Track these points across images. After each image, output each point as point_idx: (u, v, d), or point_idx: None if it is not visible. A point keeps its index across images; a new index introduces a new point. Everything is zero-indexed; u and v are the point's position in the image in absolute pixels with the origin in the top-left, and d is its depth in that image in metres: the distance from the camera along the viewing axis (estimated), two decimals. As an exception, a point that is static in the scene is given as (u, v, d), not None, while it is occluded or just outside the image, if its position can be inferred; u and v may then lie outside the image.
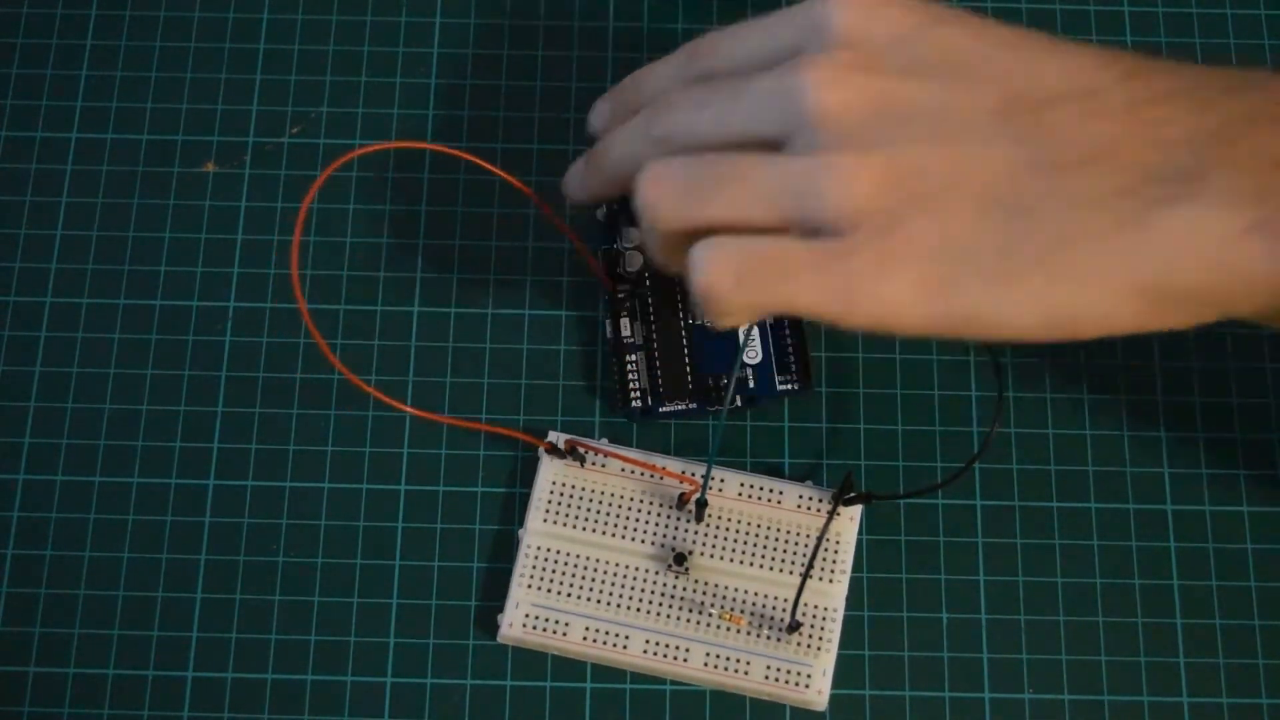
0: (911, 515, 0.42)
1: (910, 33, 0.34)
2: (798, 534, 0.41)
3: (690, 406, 0.43)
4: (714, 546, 0.41)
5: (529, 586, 0.41)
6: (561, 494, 0.41)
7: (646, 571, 0.41)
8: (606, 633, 0.40)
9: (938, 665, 0.41)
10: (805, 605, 0.40)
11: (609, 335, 0.44)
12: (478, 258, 0.45)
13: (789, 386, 0.43)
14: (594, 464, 0.42)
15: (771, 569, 0.41)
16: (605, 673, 0.41)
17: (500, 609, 0.41)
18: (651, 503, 0.41)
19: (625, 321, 0.44)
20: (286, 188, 0.46)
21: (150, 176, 0.46)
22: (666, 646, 0.40)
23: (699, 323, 0.44)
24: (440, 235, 0.45)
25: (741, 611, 0.40)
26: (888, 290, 0.32)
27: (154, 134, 0.46)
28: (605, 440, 0.43)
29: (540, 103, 0.47)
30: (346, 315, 0.44)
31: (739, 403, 0.43)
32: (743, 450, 0.43)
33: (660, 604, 0.40)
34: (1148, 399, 0.44)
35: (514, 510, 0.42)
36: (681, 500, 0.41)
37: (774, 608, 0.40)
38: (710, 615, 0.40)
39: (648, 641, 0.40)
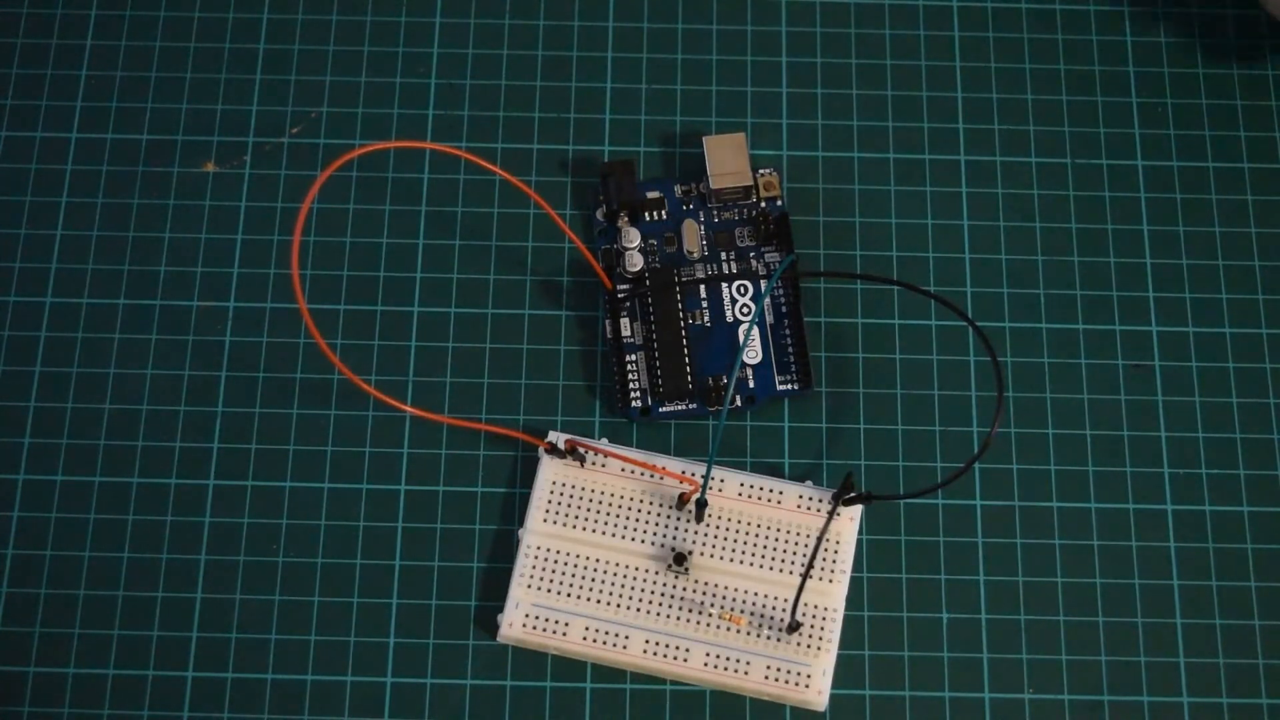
0: (911, 515, 0.42)
1: None
2: (797, 534, 0.41)
3: (690, 406, 0.43)
4: (714, 546, 0.41)
5: (529, 586, 0.41)
6: (561, 494, 0.41)
7: (646, 571, 0.41)
8: (606, 633, 0.40)
9: (938, 665, 0.41)
10: (805, 605, 0.40)
11: (609, 335, 0.44)
12: (478, 258, 0.45)
13: (789, 386, 0.43)
14: (594, 464, 0.42)
15: (771, 569, 0.41)
16: (605, 673, 0.41)
17: (500, 609, 0.41)
18: (651, 503, 0.41)
19: (625, 321, 0.44)
20: (286, 188, 0.46)
21: (150, 176, 0.46)
22: (666, 646, 0.40)
23: (699, 323, 0.44)
24: (440, 235, 0.45)
25: (741, 611, 0.40)
26: None
27: (154, 134, 0.46)
28: (605, 440, 0.43)
29: (540, 103, 0.47)
30: (346, 315, 0.44)
31: (739, 403, 0.43)
32: (743, 450, 0.43)
33: (660, 604, 0.40)
34: (1148, 399, 0.44)
35: (514, 510, 0.42)
36: (681, 500, 0.41)
37: (774, 608, 0.40)
38: (710, 615, 0.40)
39: (648, 641, 0.40)
